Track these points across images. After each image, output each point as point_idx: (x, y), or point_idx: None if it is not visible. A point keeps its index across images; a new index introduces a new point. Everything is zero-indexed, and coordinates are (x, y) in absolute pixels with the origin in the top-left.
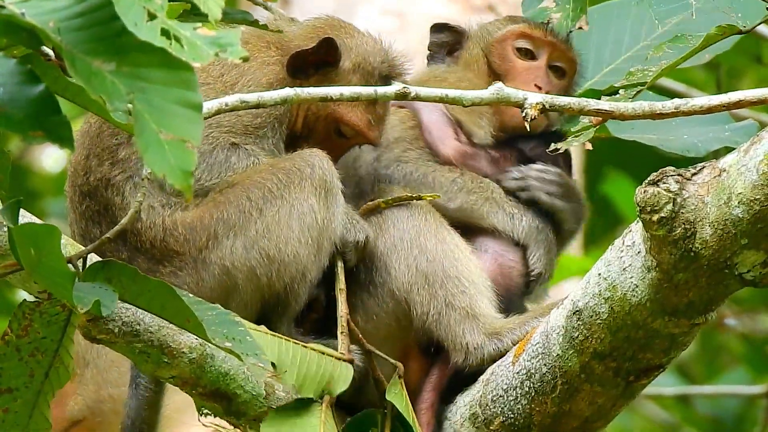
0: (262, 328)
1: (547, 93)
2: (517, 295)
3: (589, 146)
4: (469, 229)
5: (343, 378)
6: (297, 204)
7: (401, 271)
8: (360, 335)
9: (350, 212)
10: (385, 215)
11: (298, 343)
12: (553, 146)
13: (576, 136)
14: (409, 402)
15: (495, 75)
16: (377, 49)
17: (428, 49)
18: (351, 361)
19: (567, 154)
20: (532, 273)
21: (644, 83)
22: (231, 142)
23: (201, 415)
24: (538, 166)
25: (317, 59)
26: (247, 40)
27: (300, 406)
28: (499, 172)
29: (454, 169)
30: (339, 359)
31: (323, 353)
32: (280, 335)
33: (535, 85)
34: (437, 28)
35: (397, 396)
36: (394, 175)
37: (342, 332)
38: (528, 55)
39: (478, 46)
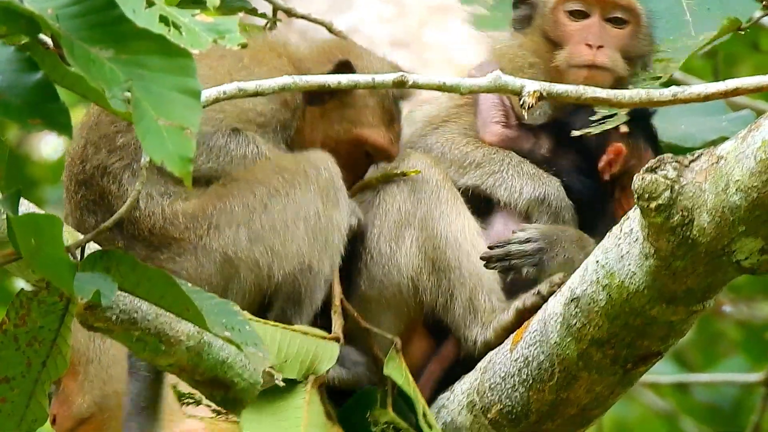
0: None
1: (599, 48)
2: (520, 278)
3: (625, 128)
4: (487, 202)
5: (328, 356)
6: (304, 204)
7: (412, 251)
8: (356, 314)
9: None
10: (401, 185)
11: (278, 325)
12: (574, 133)
13: (600, 123)
14: (410, 375)
15: (552, 44)
16: (387, 69)
17: (512, 27)
18: (337, 339)
19: (650, 129)
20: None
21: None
22: (233, 128)
23: (183, 405)
24: (519, 235)
25: None
26: (260, 49)
27: (284, 388)
28: (536, 150)
29: (471, 143)
30: (324, 338)
31: (306, 333)
32: (258, 318)
33: (585, 44)
34: (514, 4)
35: (395, 370)
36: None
37: (335, 312)
38: (580, 15)
39: (540, 17)
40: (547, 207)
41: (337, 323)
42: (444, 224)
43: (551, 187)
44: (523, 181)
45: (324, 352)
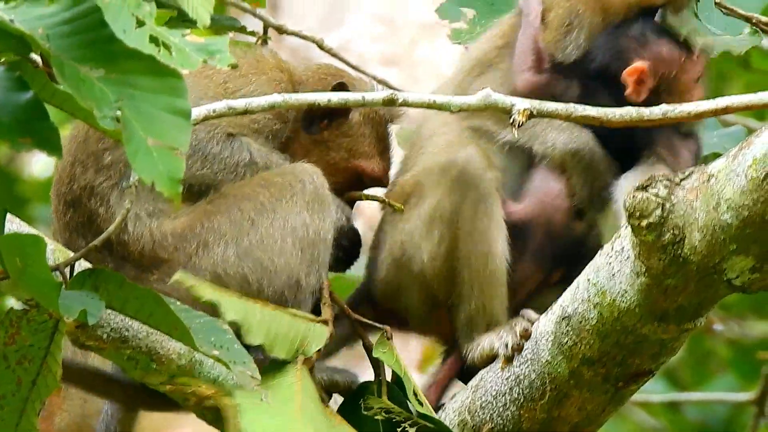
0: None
1: None
2: (561, 231)
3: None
4: (528, 154)
5: (317, 337)
6: (291, 218)
7: (439, 252)
8: (345, 305)
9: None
10: (446, 175)
11: (268, 305)
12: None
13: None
14: (400, 358)
15: None
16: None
17: None
18: (326, 322)
19: (695, 139)
20: (573, 198)
21: None
22: (228, 132)
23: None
24: None
25: (328, 110)
26: (261, 59)
27: (274, 368)
28: (567, 93)
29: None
30: (313, 321)
31: (295, 315)
32: (247, 297)
33: None
34: None
35: (386, 354)
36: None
37: (324, 303)
38: None
39: None
40: (580, 159)
41: (326, 312)
42: (470, 246)
43: (582, 138)
44: (555, 135)
45: (313, 333)
